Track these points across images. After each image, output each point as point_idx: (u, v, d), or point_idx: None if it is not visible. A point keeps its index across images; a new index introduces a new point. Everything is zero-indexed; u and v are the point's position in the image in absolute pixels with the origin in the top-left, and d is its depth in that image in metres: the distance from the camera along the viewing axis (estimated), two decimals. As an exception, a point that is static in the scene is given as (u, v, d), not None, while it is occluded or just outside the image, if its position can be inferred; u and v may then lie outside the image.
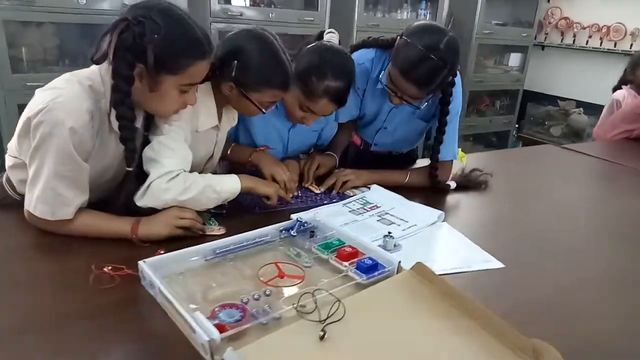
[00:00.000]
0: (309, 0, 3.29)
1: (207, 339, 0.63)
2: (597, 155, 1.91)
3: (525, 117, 5.03)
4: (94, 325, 0.75)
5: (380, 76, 1.27)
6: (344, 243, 0.92)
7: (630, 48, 4.20)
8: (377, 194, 1.26)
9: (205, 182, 1.02)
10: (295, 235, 0.97)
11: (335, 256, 0.88)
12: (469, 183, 1.46)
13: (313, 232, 0.99)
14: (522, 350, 0.65)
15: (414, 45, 1.14)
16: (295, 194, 1.22)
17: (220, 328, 0.66)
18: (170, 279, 0.83)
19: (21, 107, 1.30)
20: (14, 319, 0.75)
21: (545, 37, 4.92)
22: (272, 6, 3.15)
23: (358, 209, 1.16)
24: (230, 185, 1.05)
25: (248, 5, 3.00)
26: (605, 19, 4.41)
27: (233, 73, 1.02)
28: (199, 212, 1.01)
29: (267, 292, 0.80)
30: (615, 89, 2.64)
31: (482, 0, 4.01)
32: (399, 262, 0.85)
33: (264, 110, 1.09)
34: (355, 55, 1.35)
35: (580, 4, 4.64)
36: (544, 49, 5.00)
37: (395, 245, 0.97)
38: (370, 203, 1.20)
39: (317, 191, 1.26)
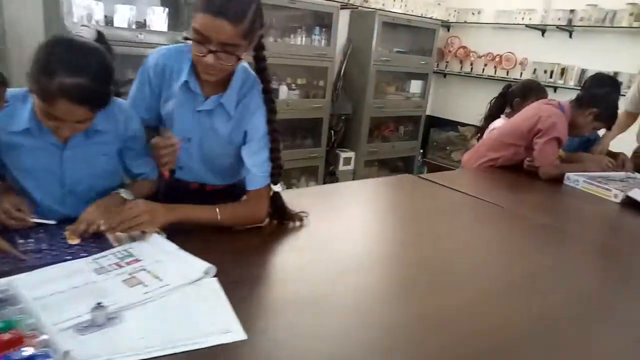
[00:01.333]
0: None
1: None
2: (451, 186, 1.84)
3: (429, 143, 5.09)
4: None
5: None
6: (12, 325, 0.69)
7: (520, 76, 4.36)
8: (148, 245, 1.04)
9: None
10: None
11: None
12: (286, 215, 1.30)
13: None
14: None
15: None
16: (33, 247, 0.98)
17: None
18: None
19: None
20: None
21: (446, 65, 5.04)
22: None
23: (109, 265, 0.95)
24: None
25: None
26: (497, 49, 4.58)
27: None
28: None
29: None
30: (491, 117, 2.65)
31: (378, 29, 4.02)
32: (65, 351, 0.64)
33: None
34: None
35: (476, 34, 4.81)
36: (446, 77, 5.12)
37: (110, 319, 0.77)
38: (132, 256, 1.00)
39: (73, 242, 1.04)
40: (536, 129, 2.12)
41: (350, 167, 4.36)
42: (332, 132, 4.11)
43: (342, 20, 4.04)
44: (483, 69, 4.72)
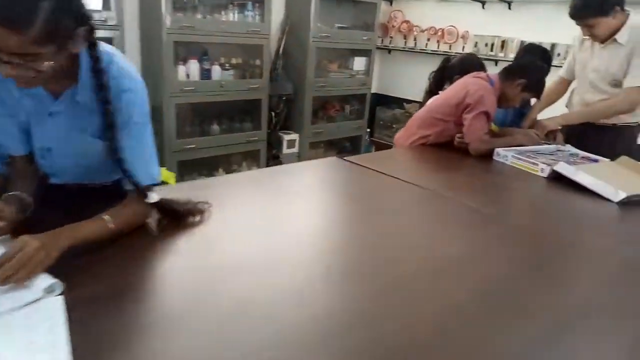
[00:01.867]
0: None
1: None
2: (377, 168, 1.73)
3: (375, 121, 5.01)
4: None
5: None
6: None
7: (462, 50, 4.31)
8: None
9: None
10: None
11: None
12: (176, 214, 1.15)
13: None
14: None
15: None
16: None
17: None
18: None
19: None
20: None
21: (390, 41, 4.94)
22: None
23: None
24: None
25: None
26: (440, 22, 4.50)
27: None
28: None
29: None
30: (430, 93, 2.56)
31: (317, 3, 3.85)
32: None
33: None
34: None
35: (418, 8, 4.71)
36: (390, 53, 5.02)
37: None
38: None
39: None
40: (465, 104, 2.04)
41: (295, 149, 4.22)
42: (273, 113, 3.95)
43: (278, -5, 3.84)
44: (426, 44, 4.64)
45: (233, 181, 1.73)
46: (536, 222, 1.44)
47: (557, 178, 1.74)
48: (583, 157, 2.03)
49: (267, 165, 4.06)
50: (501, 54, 4.11)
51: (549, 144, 2.25)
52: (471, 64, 2.41)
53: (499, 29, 4.09)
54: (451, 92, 2.17)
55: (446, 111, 2.12)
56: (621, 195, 1.55)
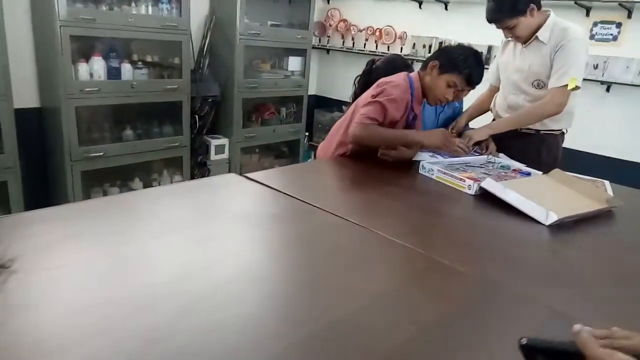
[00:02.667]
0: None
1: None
2: (277, 187, 1.47)
3: (314, 125, 4.76)
4: None
5: None
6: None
7: (401, 51, 4.14)
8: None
9: None
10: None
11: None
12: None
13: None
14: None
15: None
16: None
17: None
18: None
19: None
20: None
21: (328, 40, 4.71)
22: None
23: None
24: None
25: None
26: (377, 22, 4.31)
27: None
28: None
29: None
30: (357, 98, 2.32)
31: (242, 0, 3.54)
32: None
33: None
34: None
35: (355, 6, 4.51)
36: (329, 53, 4.79)
37: None
38: None
39: None
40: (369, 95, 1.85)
41: (225, 155, 3.90)
42: (197, 117, 3.61)
43: (200, -13, 3.51)
44: (365, 44, 4.44)
45: (93, 206, 1.39)
46: (462, 254, 1.20)
47: (486, 195, 1.54)
48: (514, 170, 1.85)
49: (193, 174, 3.71)
50: (439, 56, 3.96)
51: (479, 154, 2.07)
52: (395, 65, 2.20)
53: (436, 30, 3.95)
54: (364, 96, 1.95)
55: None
56: (552, 218, 1.36)
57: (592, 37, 3.24)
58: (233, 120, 3.83)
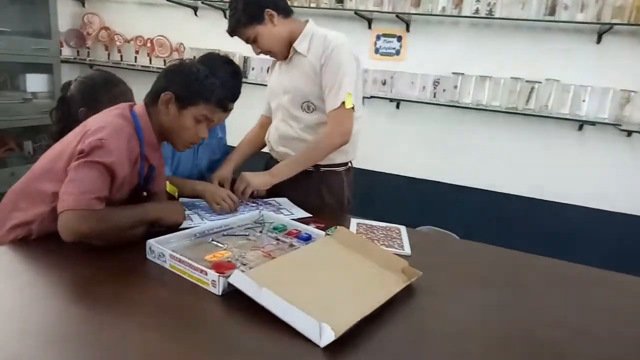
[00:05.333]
0: None
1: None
2: None
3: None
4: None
5: None
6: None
7: (179, 67, 3.46)
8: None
9: None
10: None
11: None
12: None
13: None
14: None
15: None
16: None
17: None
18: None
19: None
20: None
21: (89, 53, 3.76)
22: None
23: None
24: None
25: None
26: (148, 31, 3.56)
27: None
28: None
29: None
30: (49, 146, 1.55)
31: None
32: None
33: None
34: None
35: (118, 12, 3.68)
36: (93, 68, 3.84)
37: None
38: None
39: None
40: (77, 151, 1.15)
41: None
42: None
43: None
44: (135, 57, 3.64)
45: None
46: None
47: (240, 293, 0.96)
48: (291, 233, 1.33)
49: None
50: (223, 72, 3.40)
51: (254, 207, 1.54)
52: (93, 88, 1.52)
53: (216, 42, 3.37)
54: (67, 139, 1.24)
55: (54, 175, 1.17)
56: (328, 337, 0.85)
57: (376, 51, 3.05)
58: None
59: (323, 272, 1.10)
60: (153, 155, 1.33)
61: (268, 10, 1.58)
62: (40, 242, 1.18)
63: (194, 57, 1.87)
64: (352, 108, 1.63)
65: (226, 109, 1.43)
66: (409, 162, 3.12)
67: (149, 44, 3.54)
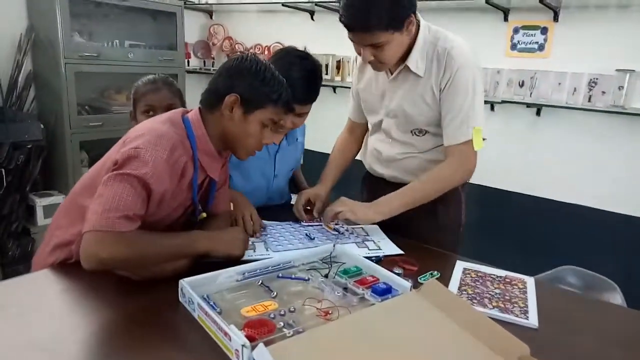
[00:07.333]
0: None
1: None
2: None
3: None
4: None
5: None
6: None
7: (294, 74, 3.34)
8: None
9: None
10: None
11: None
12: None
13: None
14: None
15: None
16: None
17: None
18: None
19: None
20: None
21: (213, 63, 3.86)
22: None
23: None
24: None
25: None
26: (266, 39, 3.52)
27: None
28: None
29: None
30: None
31: (63, 7, 2.66)
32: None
33: None
34: None
35: (241, 21, 3.72)
36: (216, 78, 3.95)
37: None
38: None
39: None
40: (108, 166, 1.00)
41: (63, 216, 2.92)
42: (4, 170, 2.64)
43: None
44: (254, 66, 3.63)
45: None
46: None
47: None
48: (366, 278, 1.01)
49: (8, 248, 2.71)
50: (338, 78, 3.18)
51: (329, 232, 1.28)
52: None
53: (333, 46, 3.17)
54: (111, 150, 1.10)
55: (94, 190, 1.02)
56: None
57: (513, 47, 2.54)
58: (67, 171, 2.89)
59: (395, 352, 0.76)
60: (211, 166, 1.13)
61: (410, 18, 1.21)
62: (78, 267, 1.04)
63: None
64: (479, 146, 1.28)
65: (292, 108, 1.21)
66: (549, 181, 2.52)
67: (266, 52, 3.50)
